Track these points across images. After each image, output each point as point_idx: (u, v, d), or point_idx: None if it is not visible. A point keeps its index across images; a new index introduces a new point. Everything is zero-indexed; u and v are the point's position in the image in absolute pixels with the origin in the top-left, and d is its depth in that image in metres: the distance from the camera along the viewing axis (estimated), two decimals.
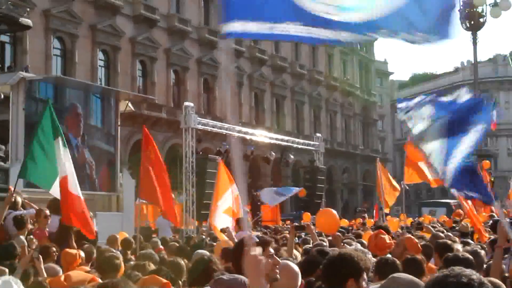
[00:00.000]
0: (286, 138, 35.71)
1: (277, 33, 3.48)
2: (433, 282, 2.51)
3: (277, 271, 4.40)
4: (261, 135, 33.02)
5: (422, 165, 13.60)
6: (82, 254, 7.79)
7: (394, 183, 21.07)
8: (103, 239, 12.37)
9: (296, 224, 10.17)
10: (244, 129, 31.53)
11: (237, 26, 3.33)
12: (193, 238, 16.71)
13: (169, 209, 13.07)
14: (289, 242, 8.68)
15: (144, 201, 18.62)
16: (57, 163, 9.46)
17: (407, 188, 15.03)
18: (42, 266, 6.57)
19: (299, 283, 5.10)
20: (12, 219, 9.32)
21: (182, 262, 6.58)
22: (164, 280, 4.46)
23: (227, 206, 14.36)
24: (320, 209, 34.60)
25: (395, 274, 4.14)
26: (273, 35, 3.51)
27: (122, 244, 11.41)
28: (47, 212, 10.02)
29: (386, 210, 21.91)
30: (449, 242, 8.44)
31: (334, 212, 10.41)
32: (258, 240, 4.33)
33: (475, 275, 2.45)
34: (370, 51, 79.43)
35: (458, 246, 8.57)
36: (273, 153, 36.65)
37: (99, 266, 7.01)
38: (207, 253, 7.95)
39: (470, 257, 6.28)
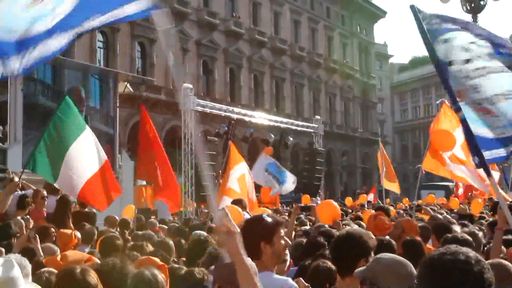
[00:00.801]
0: (285, 120, 35.73)
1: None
2: (429, 260, 2.49)
3: (287, 253, 4.36)
4: (260, 117, 33.05)
5: (446, 156, 13.48)
6: (78, 234, 7.77)
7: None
8: (101, 221, 12.36)
9: (302, 205, 10.15)
10: (243, 111, 31.52)
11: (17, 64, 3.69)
12: (191, 219, 16.72)
13: (169, 191, 13.01)
14: (290, 223, 8.60)
15: (143, 182, 18.57)
16: (96, 151, 10.01)
17: (423, 172, 15.00)
18: (39, 246, 6.55)
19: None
20: (18, 198, 9.34)
21: (171, 242, 6.61)
22: (160, 262, 4.45)
23: (227, 187, 14.26)
24: (320, 192, 34.72)
25: (379, 255, 4.10)
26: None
27: (120, 224, 11.42)
28: (45, 192, 10.02)
29: (396, 191, 22.05)
30: (447, 223, 8.43)
31: (335, 204, 10.36)
32: (270, 220, 4.27)
33: (471, 253, 2.44)
34: (370, 34, 79.17)
35: (457, 228, 8.51)
36: (272, 135, 36.61)
37: (100, 247, 7.02)
38: (204, 233, 7.96)
39: (470, 238, 6.26)
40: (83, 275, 3.49)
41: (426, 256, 2.59)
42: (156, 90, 44.99)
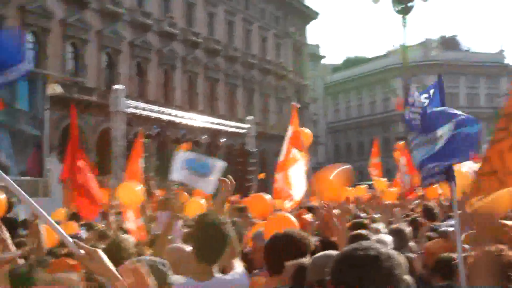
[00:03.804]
0: (217, 121, 35.80)
1: None
2: (342, 255, 2.54)
3: None
4: (193, 119, 33.07)
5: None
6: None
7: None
8: None
9: (238, 206, 10.23)
10: (175, 112, 31.51)
11: None
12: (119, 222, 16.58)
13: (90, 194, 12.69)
14: None
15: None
16: None
17: None
18: None
19: None
20: None
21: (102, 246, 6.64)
22: (74, 262, 4.50)
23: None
24: (252, 193, 34.88)
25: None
26: None
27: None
28: None
29: None
30: (366, 221, 8.58)
31: (267, 197, 10.45)
32: None
33: (383, 249, 2.49)
34: (302, 35, 79.81)
35: (380, 226, 8.53)
36: (202, 137, 36.68)
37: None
38: (127, 237, 7.97)
39: (372, 236, 6.40)
40: None
41: (339, 252, 2.68)
42: (88, 92, 44.36)
